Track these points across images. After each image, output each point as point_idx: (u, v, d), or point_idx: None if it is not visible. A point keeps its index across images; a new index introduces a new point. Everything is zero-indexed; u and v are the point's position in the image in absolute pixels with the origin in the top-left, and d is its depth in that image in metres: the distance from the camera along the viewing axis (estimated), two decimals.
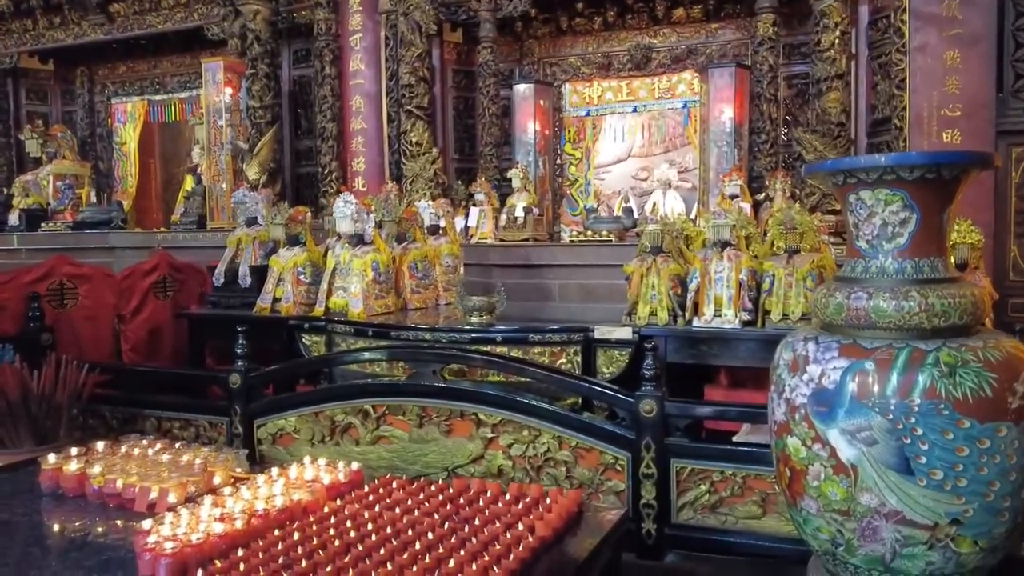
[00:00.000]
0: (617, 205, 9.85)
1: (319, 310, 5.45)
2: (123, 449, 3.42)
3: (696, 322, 4.64)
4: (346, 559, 2.30)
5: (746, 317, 4.56)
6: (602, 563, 2.57)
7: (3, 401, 4.01)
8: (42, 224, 10.06)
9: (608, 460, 3.53)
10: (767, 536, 3.29)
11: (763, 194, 7.82)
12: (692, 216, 8.04)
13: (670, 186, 9.52)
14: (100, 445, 3.45)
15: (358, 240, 5.48)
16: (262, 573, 2.23)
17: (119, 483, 3.03)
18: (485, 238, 8.26)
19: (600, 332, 4.51)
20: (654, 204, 9.21)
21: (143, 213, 12.57)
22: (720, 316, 4.56)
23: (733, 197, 7.37)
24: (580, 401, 4.12)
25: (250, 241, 6.20)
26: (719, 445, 3.58)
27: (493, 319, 4.85)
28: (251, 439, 4.18)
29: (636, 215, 8.13)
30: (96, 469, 3.12)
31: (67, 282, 5.66)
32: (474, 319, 4.82)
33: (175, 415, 4.53)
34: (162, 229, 10.58)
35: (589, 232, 7.71)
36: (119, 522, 2.86)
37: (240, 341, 4.29)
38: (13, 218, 10.19)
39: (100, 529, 2.83)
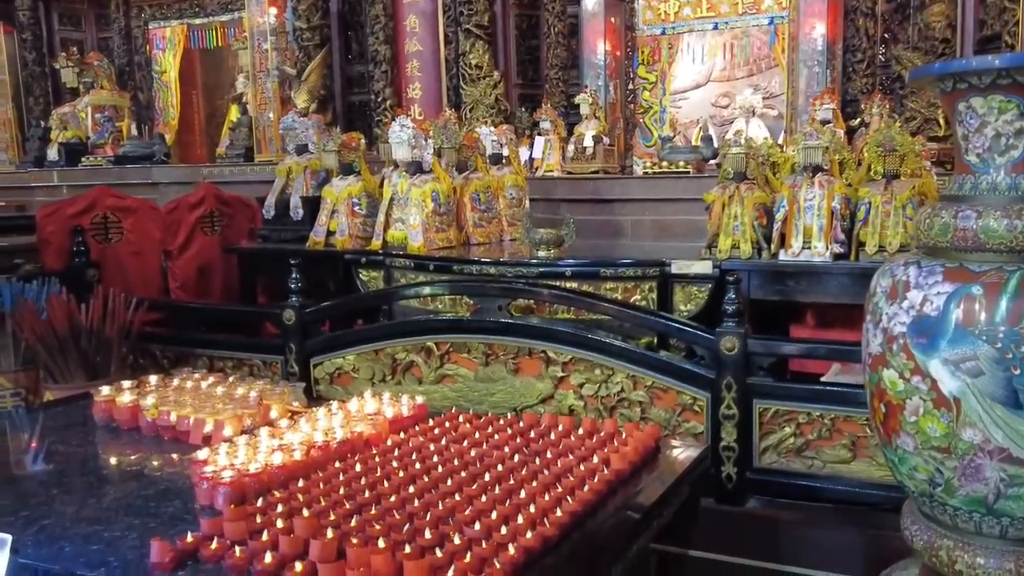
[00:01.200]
0: (695, 134, 9.73)
1: (376, 243, 5.51)
2: (176, 382, 3.55)
3: (783, 255, 4.59)
4: (411, 490, 2.38)
5: (838, 249, 4.49)
6: (680, 501, 2.63)
7: (52, 334, 4.18)
8: (82, 159, 10.31)
9: (686, 401, 3.57)
10: (856, 482, 3.31)
11: (858, 119, 7.66)
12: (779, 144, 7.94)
13: (754, 114, 9.35)
14: (152, 378, 3.59)
15: (416, 168, 5.51)
16: (323, 503, 2.32)
17: (173, 415, 3.16)
18: (551, 170, 8.26)
19: (678, 267, 4.50)
20: (737, 133, 9.08)
21: (186, 147, 12.79)
22: (809, 248, 4.51)
23: (825, 123, 7.20)
24: (656, 340, 4.15)
25: (301, 170, 6.27)
26: (806, 385, 3.59)
27: (562, 253, 4.88)
28: (307, 378, 4.30)
29: (716, 145, 8.03)
30: (149, 401, 3.25)
31: (111, 215, 5.79)
32: (541, 253, 4.85)
33: (228, 353, 4.68)
34: (207, 164, 10.74)
35: (664, 164, 7.67)
36: (174, 454, 2.99)
37: (294, 275, 4.39)
38: (52, 153, 10.45)
39: (156, 462, 2.96)
